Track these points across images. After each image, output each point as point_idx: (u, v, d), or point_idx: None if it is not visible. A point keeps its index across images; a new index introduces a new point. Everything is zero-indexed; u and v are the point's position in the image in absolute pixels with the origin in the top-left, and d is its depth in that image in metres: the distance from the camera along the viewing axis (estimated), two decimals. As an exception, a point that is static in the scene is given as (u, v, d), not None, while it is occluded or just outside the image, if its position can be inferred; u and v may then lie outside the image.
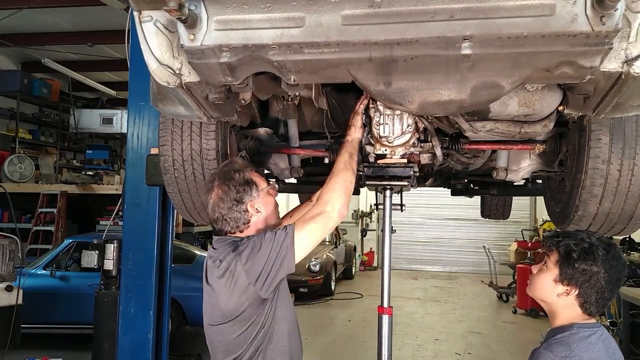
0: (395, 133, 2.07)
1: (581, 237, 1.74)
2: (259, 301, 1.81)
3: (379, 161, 2.33)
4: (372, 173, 2.32)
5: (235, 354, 1.85)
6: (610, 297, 1.73)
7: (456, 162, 2.49)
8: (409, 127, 2.07)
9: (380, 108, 2.06)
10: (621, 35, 1.38)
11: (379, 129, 2.07)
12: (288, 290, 2.01)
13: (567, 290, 1.72)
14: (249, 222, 1.93)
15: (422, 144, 2.24)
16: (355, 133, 2.07)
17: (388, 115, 2.06)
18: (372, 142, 2.15)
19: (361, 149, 2.16)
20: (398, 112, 2.05)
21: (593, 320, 1.76)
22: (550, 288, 1.76)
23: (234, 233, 1.94)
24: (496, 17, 1.33)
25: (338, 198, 1.86)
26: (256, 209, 1.94)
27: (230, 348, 1.86)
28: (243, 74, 1.62)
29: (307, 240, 1.81)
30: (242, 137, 2.47)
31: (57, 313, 6.29)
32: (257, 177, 1.99)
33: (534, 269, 1.86)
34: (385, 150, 2.15)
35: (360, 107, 2.08)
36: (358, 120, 2.07)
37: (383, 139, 2.08)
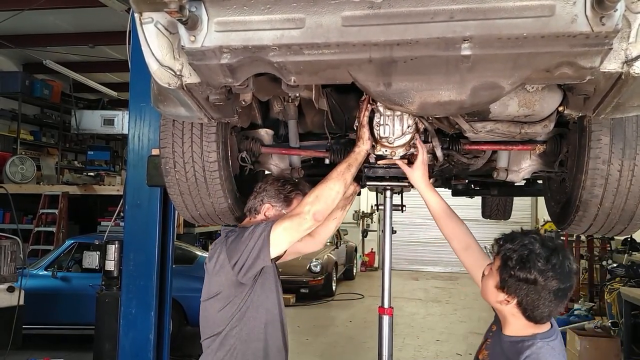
0: (395, 134, 2.07)
1: (523, 243, 1.61)
2: (236, 284, 1.98)
3: (379, 162, 2.33)
4: (373, 174, 2.32)
5: (214, 332, 2.03)
6: (554, 307, 1.61)
7: (457, 162, 2.49)
8: (409, 127, 2.06)
9: (381, 109, 2.05)
10: (621, 36, 1.38)
11: (379, 129, 2.07)
12: (275, 285, 2.12)
13: (506, 298, 1.64)
14: (256, 214, 2.17)
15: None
16: (363, 145, 2.07)
17: (388, 116, 2.05)
18: (373, 143, 2.15)
19: None
20: (398, 112, 2.04)
21: (548, 326, 1.68)
22: (494, 294, 1.68)
23: (247, 216, 2.20)
24: (496, 18, 1.33)
25: (317, 204, 1.95)
26: (268, 214, 2.15)
27: (211, 325, 2.04)
28: (243, 75, 1.62)
29: (282, 237, 1.95)
30: (242, 138, 2.47)
31: (58, 314, 6.31)
32: (298, 203, 2.12)
33: (486, 270, 1.75)
34: (386, 151, 2.14)
35: (365, 119, 2.07)
36: (365, 133, 2.07)
37: (383, 140, 2.08)
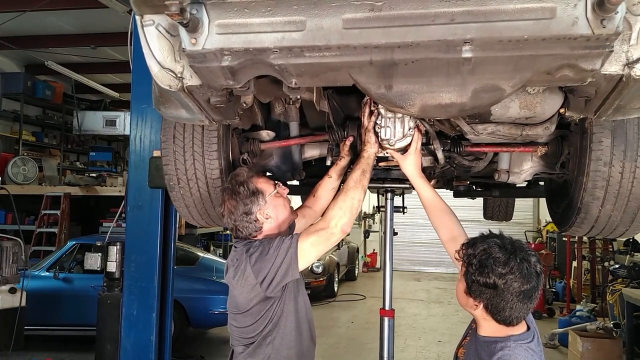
0: (396, 136, 2.06)
1: (483, 248, 1.63)
2: (265, 298, 1.95)
3: (380, 164, 2.33)
4: (374, 175, 2.32)
5: (247, 341, 2.03)
6: (522, 309, 1.61)
7: (458, 164, 2.49)
8: (411, 129, 2.07)
9: (382, 111, 2.05)
10: (622, 38, 1.38)
11: (380, 131, 2.07)
12: (300, 288, 2.10)
13: (474, 303, 1.66)
14: (261, 229, 2.05)
15: (423, 147, 2.24)
16: (371, 149, 2.08)
17: (389, 118, 2.05)
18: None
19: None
20: (399, 115, 2.04)
21: (523, 327, 1.68)
22: (464, 299, 1.71)
23: (249, 238, 2.06)
24: (497, 20, 1.33)
25: (342, 216, 1.94)
26: (266, 215, 2.05)
27: (243, 334, 2.04)
28: (244, 77, 1.62)
29: (310, 252, 1.93)
30: (244, 140, 2.47)
31: (60, 315, 6.31)
32: (263, 183, 2.08)
33: (459, 276, 1.76)
34: (387, 153, 2.14)
35: (370, 123, 2.08)
36: (371, 137, 2.08)
37: (384, 142, 2.08)
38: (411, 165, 2.10)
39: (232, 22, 1.45)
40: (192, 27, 1.43)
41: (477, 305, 1.66)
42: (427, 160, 2.34)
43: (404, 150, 2.12)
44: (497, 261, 1.59)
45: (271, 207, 2.05)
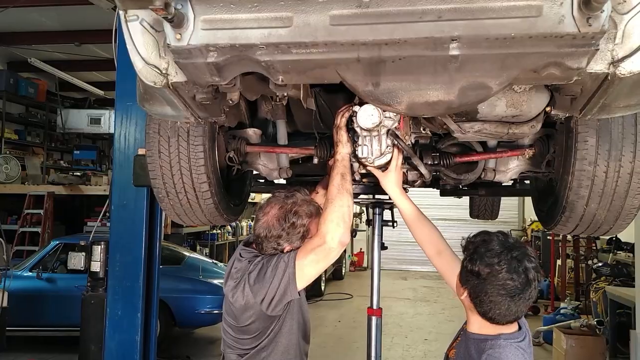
0: (374, 154, 2.03)
1: (484, 238, 1.65)
2: (265, 317, 1.91)
3: (364, 179, 2.31)
4: (361, 191, 2.29)
5: (241, 351, 1.99)
6: (504, 306, 1.58)
7: (447, 177, 2.47)
8: (389, 147, 2.03)
9: (357, 129, 2.00)
10: (607, 37, 1.39)
11: (357, 150, 2.03)
12: (300, 302, 2.04)
13: (462, 289, 1.68)
14: (281, 252, 1.98)
15: (406, 162, 2.21)
16: (344, 149, 2.01)
17: (366, 137, 2.02)
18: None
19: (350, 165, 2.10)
20: (375, 133, 2.00)
21: (515, 327, 1.69)
22: (458, 287, 1.73)
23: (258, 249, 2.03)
24: (484, 18, 1.34)
25: (337, 227, 1.84)
26: (290, 247, 1.97)
27: (238, 344, 2.00)
28: (230, 74, 1.61)
29: (309, 271, 1.88)
30: (230, 138, 2.45)
31: (43, 315, 6.23)
32: (316, 224, 1.96)
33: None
34: (369, 169, 2.13)
35: (342, 120, 2.02)
36: (343, 135, 2.02)
37: (363, 160, 2.05)
38: (391, 182, 2.06)
39: (217, 18, 1.43)
40: (177, 22, 1.42)
41: (463, 292, 1.68)
42: (414, 175, 2.32)
43: (385, 167, 2.09)
44: (490, 252, 1.60)
45: (301, 243, 1.97)
